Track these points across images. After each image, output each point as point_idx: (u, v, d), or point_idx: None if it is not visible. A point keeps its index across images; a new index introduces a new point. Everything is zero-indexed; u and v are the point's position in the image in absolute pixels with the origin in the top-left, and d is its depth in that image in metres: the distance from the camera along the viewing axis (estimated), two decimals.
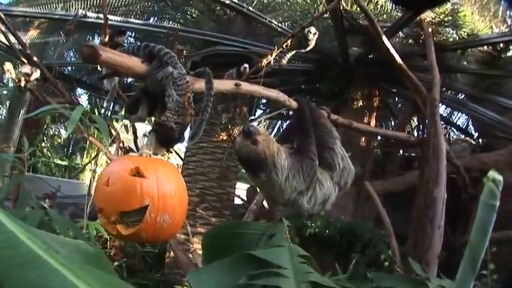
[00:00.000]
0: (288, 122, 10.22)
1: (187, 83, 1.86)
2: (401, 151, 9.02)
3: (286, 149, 2.04)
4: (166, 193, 1.74)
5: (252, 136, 1.91)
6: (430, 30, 5.46)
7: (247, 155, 1.94)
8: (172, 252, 6.04)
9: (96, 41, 8.09)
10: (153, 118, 2.00)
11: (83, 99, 10.86)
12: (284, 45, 3.79)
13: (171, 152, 8.03)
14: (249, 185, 8.82)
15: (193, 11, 7.57)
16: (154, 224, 1.71)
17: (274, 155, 1.92)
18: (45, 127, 14.69)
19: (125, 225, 1.69)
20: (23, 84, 4.70)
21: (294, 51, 3.91)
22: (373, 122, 7.30)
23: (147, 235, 1.75)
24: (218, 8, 7.09)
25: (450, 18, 5.85)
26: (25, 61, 5.13)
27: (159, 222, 1.72)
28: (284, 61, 3.96)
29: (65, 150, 17.31)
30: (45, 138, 15.45)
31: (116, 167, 1.78)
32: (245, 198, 8.53)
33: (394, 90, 8.25)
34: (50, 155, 15.62)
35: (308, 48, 3.60)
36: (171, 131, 1.85)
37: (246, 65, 3.93)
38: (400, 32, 6.21)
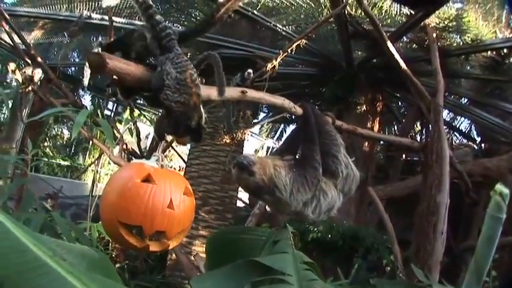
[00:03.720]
0: (291, 126, 10.26)
1: (187, 61, 1.74)
2: (404, 156, 9.02)
3: (286, 163, 2.03)
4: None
5: (247, 168, 1.92)
6: (434, 35, 5.46)
7: (247, 186, 1.98)
8: (174, 255, 6.03)
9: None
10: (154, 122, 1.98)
11: (86, 99, 10.88)
12: (289, 50, 3.78)
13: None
14: None
15: (197, 13, 7.57)
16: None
17: (272, 177, 1.93)
18: (47, 127, 14.73)
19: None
20: (30, 88, 4.73)
21: None
22: (376, 127, 7.29)
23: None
24: None
25: (454, 23, 5.85)
26: (29, 61, 5.15)
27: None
28: None
29: (68, 150, 17.32)
30: (47, 138, 15.48)
31: (166, 185, 1.83)
32: (248, 202, 8.53)
33: (398, 95, 8.25)
34: (52, 154, 15.66)
35: None
36: (171, 111, 1.72)
37: (250, 71, 3.91)
38: (404, 37, 6.21)
